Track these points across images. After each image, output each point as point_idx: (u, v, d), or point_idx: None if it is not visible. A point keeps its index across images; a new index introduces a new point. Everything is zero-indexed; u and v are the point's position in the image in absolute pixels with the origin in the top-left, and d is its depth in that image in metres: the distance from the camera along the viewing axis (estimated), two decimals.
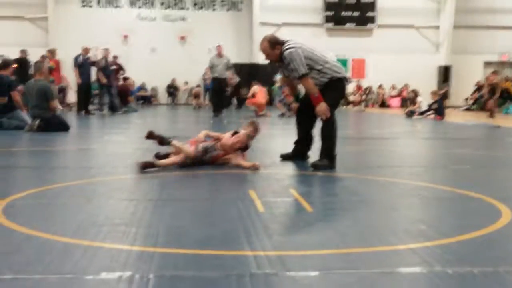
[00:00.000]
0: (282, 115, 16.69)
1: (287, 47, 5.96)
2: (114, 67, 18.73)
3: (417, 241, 3.13)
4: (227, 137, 6.13)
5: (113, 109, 17.94)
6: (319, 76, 5.97)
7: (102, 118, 16.03)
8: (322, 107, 5.88)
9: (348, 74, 6.24)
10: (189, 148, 5.86)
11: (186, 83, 28.51)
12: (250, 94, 17.83)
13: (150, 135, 5.99)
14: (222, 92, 16.92)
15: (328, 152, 5.93)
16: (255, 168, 5.82)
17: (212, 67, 16.60)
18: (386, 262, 2.77)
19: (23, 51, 18.73)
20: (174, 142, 5.89)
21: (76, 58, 17.15)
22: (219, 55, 16.59)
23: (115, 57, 20.03)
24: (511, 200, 4.25)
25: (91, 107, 17.61)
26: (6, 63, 11.70)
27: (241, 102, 22.98)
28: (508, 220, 3.60)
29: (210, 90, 17.45)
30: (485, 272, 2.59)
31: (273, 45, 6.07)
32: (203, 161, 5.93)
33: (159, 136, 5.95)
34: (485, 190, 4.72)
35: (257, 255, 2.79)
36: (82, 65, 17.06)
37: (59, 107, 10.89)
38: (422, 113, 17.95)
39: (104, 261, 2.71)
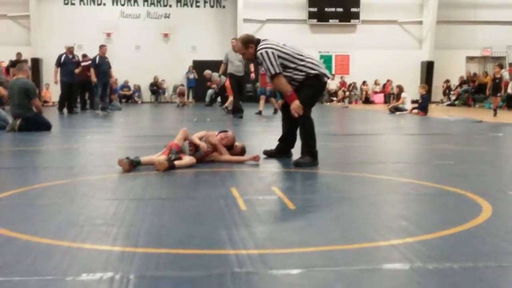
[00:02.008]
0: (275, 111, 15.79)
1: (259, 47, 6.02)
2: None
3: (398, 237, 3.14)
4: (212, 135, 6.23)
5: (93, 107, 17.79)
6: (293, 74, 6.00)
7: (86, 117, 15.94)
8: (295, 105, 5.91)
9: (325, 70, 6.23)
10: (159, 157, 5.76)
11: (163, 80, 28.37)
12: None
13: (128, 167, 5.52)
14: (240, 90, 15.15)
15: (309, 149, 5.95)
16: (256, 160, 6.01)
17: (227, 63, 14.85)
18: (368, 259, 2.78)
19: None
20: (142, 158, 5.74)
21: (60, 57, 16.97)
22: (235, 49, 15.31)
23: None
24: (492, 195, 4.30)
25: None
26: None
27: (226, 100, 22.85)
28: (488, 215, 3.63)
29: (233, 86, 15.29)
30: (465, 268, 2.61)
31: (246, 43, 6.15)
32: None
33: (129, 162, 5.55)
34: (467, 185, 4.77)
35: (238, 254, 2.79)
36: (65, 64, 16.89)
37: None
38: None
39: (84, 262, 2.70)
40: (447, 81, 28.34)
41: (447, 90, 28.04)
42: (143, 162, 5.71)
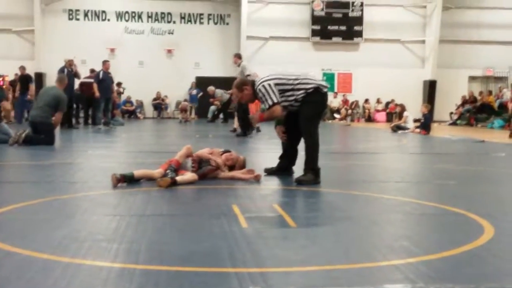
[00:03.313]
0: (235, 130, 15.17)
1: (257, 84, 6.15)
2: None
3: (400, 257, 3.12)
4: (217, 153, 6.23)
5: (94, 122, 17.80)
6: (293, 95, 6.07)
7: (88, 132, 15.95)
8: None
9: (322, 82, 6.32)
10: (155, 171, 5.82)
11: (166, 96, 28.41)
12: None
13: (118, 181, 5.52)
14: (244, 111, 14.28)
15: (312, 166, 5.95)
16: (257, 178, 6.03)
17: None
18: (369, 279, 2.76)
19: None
20: (135, 172, 5.75)
21: (62, 71, 16.89)
22: (235, 63, 14.87)
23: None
24: (494, 216, 4.27)
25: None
26: None
27: (228, 117, 22.79)
28: (490, 237, 3.61)
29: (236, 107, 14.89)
30: None
31: (240, 87, 6.32)
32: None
33: (122, 177, 5.57)
34: (469, 206, 4.74)
35: (239, 272, 2.77)
36: (67, 78, 16.86)
37: None
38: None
39: (84, 278, 2.69)
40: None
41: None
42: (136, 175, 5.72)
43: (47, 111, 10.60)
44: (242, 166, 6.37)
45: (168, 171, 5.73)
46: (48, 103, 10.63)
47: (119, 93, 27.65)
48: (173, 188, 5.45)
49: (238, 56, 15.07)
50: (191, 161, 6.01)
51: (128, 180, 5.61)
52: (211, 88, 22.87)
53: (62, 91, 11.18)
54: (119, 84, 27.49)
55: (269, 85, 6.05)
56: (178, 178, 5.63)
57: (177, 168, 5.83)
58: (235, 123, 15.33)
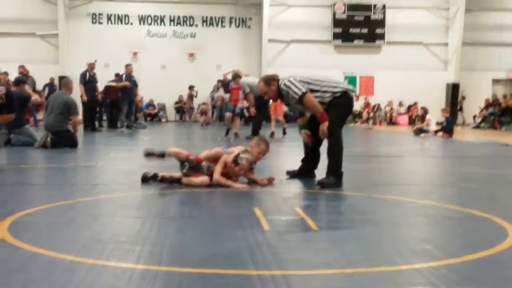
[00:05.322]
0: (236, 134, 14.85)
1: (281, 81, 6.19)
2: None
3: (422, 261, 3.11)
4: (230, 160, 6.04)
5: (117, 125, 17.88)
6: (320, 96, 6.06)
7: (111, 134, 16.07)
8: (324, 126, 6.01)
9: (349, 86, 6.32)
10: (183, 152, 6.06)
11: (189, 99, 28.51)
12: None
13: (149, 154, 6.27)
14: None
15: (335, 169, 5.94)
16: (270, 181, 6.03)
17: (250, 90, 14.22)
18: (391, 282, 2.76)
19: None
20: (168, 150, 6.16)
21: (84, 75, 17.02)
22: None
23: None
24: None
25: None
26: (19, 81, 11.85)
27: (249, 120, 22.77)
28: None
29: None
30: None
31: (268, 82, 6.31)
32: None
33: (155, 152, 6.22)
34: (492, 209, 4.70)
35: (261, 274, 2.79)
36: (89, 81, 17.02)
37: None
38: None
39: (108, 279, 2.72)
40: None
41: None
42: (167, 153, 6.16)
43: (61, 120, 10.62)
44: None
45: (186, 163, 5.89)
46: (60, 111, 10.64)
47: (191, 96, 27.82)
48: (195, 191, 5.48)
49: (237, 77, 14.93)
50: (206, 167, 5.96)
51: (160, 156, 6.16)
52: (219, 94, 22.70)
53: (69, 96, 11.09)
54: (191, 88, 27.63)
55: (294, 79, 6.12)
56: (185, 180, 5.78)
57: (197, 164, 5.86)
58: (236, 127, 15.14)
